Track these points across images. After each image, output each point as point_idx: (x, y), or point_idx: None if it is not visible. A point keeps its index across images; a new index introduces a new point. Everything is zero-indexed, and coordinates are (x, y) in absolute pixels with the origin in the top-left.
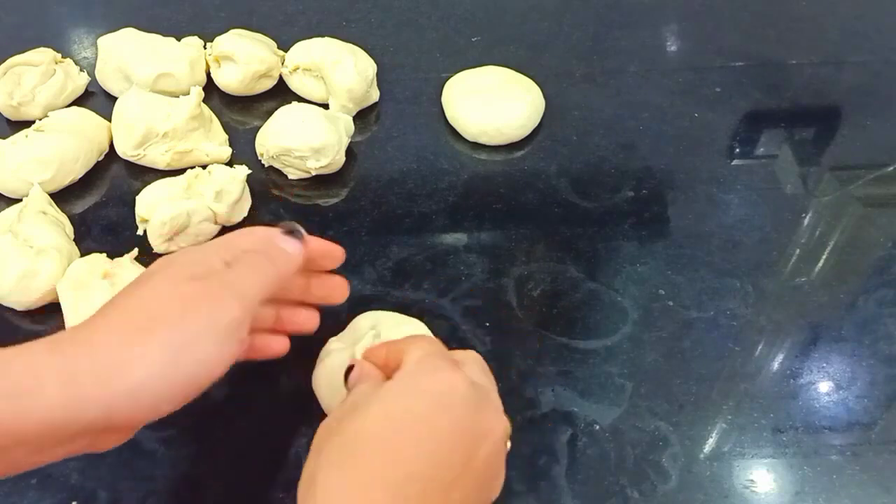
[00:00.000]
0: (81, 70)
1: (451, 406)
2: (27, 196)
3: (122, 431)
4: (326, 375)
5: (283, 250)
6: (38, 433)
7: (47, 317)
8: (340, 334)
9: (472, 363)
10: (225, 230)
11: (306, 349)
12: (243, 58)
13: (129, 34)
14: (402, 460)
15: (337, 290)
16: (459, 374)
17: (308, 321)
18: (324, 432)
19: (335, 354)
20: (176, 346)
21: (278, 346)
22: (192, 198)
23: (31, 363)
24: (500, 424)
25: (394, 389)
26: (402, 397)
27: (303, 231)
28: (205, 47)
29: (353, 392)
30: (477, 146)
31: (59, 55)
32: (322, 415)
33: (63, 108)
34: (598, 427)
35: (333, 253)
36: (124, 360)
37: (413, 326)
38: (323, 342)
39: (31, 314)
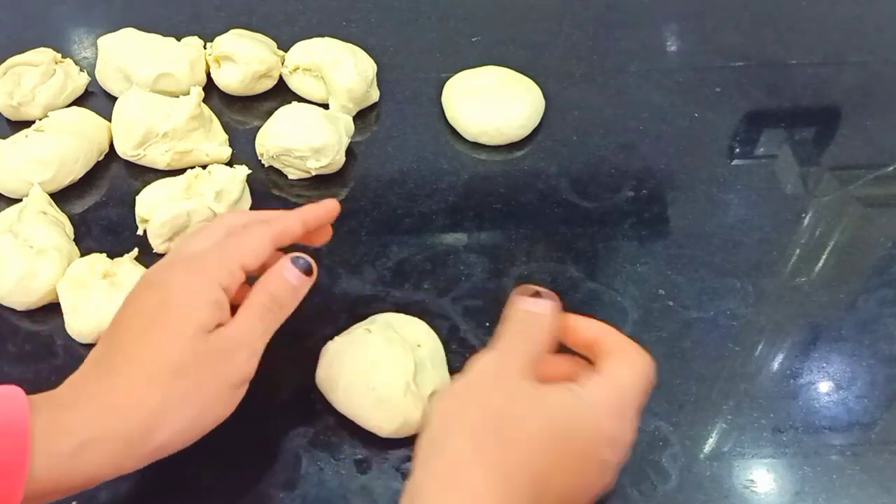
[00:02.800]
0: (81, 70)
1: (603, 461)
2: (27, 196)
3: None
4: (331, 374)
5: (289, 285)
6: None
7: (47, 317)
8: (340, 336)
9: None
10: None
11: (306, 349)
12: (243, 58)
13: (129, 34)
14: (541, 481)
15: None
16: (631, 433)
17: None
18: (473, 410)
19: (337, 350)
20: (197, 408)
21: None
22: (192, 198)
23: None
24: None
25: (568, 404)
26: (569, 422)
27: (310, 262)
28: (205, 47)
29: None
30: (477, 146)
31: (59, 55)
32: (324, 413)
33: (63, 108)
34: None
35: (331, 211)
36: (151, 425)
37: (415, 326)
38: (323, 342)
39: (31, 314)
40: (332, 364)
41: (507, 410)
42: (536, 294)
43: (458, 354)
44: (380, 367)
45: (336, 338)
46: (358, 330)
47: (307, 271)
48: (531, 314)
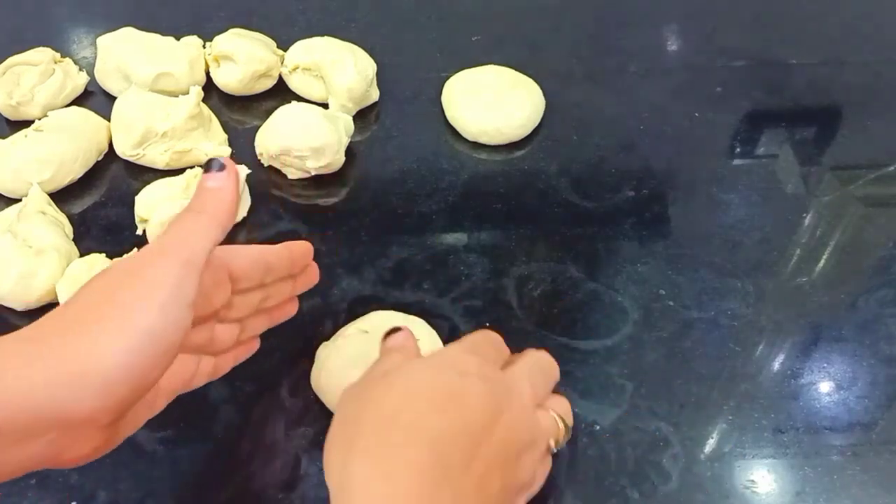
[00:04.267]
0: (81, 70)
1: (471, 384)
2: (26, 196)
3: (88, 429)
4: (325, 375)
5: (208, 190)
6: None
7: None
8: (340, 331)
9: (523, 363)
10: None
11: (306, 349)
12: (243, 57)
13: (128, 34)
14: (425, 435)
15: (314, 275)
16: (489, 365)
17: (291, 311)
18: (348, 399)
19: (331, 352)
20: (133, 327)
21: (255, 344)
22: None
23: None
24: (520, 411)
25: (421, 364)
26: (427, 371)
27: (222, 161)
28: (204, 47)
29: (383, 359)
30: (477, 146)
31: (58, 55)
32: (323, 413)
33: (62, 107)
34: (598, 427)
35: (307, 250)
36: (86, 350)
37: (415, 326)
38: (322, 342)
39: (30, 314)
40: (325, 366)
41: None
42: (209, 168)
43: None
44: None
45: (333, 338)
46: (351, 329)
47: (220, 168)
48: (203, 193)
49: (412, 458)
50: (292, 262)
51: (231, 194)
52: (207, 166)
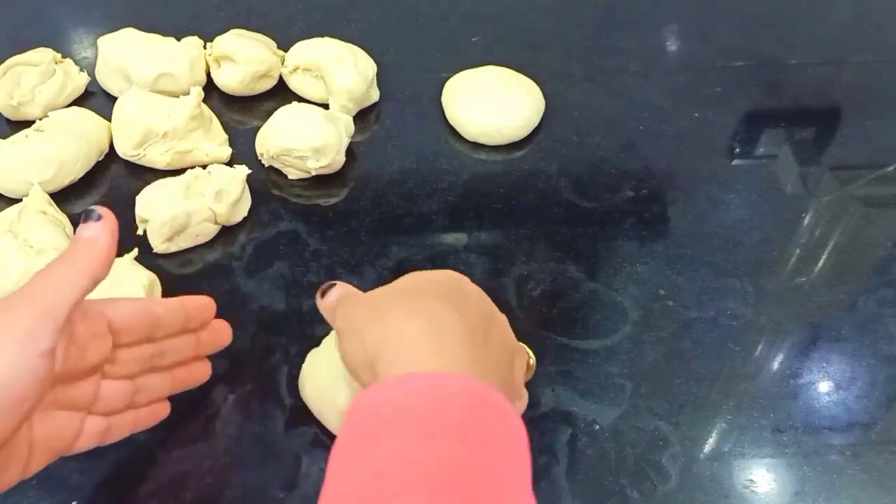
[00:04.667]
0: (81, 70)
1: (462, 279)
2: (27, 196)
3: None
4: (310, 383)
5: (81, 240)
6: None
7: None
8: (327, 338)
9: None
10: (225, 230)
11: (306, 350)
12: (243, 58)
13: (129, 34)
14: (454, 306)
15: (223, 333)
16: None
17: (201, 374)
18: (360, 302)
19: (318, 358)
20: None
21: (162, 409)
22: (192, 198)
23: None
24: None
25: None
26: (415, 276)
27: (99, 211)
28: (205, 47)
29: (340, 316)
30: (477, 146)
31: (58, 55)
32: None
33: (63, 108)
34: (598, 427)
35: (206, 304)
36: None
37: None
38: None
39: None
40: (310, 372)
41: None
42: (87, 218)
43: None
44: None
45: (322, 343)
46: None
47: (97, 218)
48: (77, 242)
49: (448, 318)
50: (187, 316)
51: (105, 246)
52: (85, 216)
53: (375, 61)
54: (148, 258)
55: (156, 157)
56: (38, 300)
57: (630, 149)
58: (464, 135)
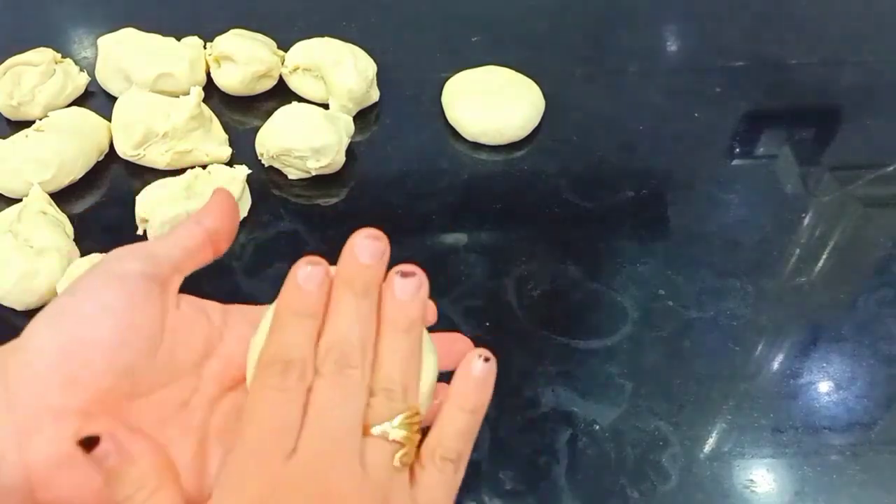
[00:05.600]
0: (81, 70)
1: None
2: (27, 196)
3: None
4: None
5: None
6: None
7: None
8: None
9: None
10: None
11: None
12: (243, 58)
13: (129, 34)
14: None
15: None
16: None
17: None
18: None
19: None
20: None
21: None
22: (192, 198)
23: None
24: None
25: None
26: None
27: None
28: (205, 47)
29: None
30: (477, 146)
31: (58, 55)
32: None
33: (63, 107)
34: (598, 427)
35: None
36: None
37: None
38: None
39: (31, 314)
40: (250, 362)
41: None
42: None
43: None
44: None
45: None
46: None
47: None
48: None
49: None
50: None
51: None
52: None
53: (375, 61)
54: None
55: (156, 157)
56: (150, 253)
57: (630, 149)
58: (464, 135)
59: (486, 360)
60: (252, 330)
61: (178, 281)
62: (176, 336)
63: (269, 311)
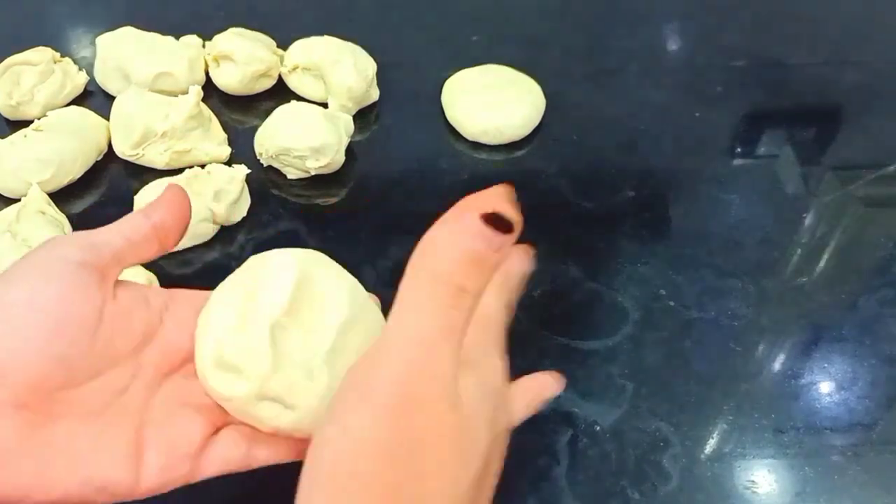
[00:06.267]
0: (80, 69)
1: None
2: (26, 196)
3: None
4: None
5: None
6: None
7: None
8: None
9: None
10: (224, 230)
11: None
12: (242, 57)
13: (128, 33)
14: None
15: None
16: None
17: None
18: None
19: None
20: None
21: None
22: (191, 197)
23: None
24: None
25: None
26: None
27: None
28: (204, 46)
29: None
30: (477, 146)
31: (57, 54)
32: None
33: (62, 107)
34: (598, 428)
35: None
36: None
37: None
38: None
39: None
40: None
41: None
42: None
43: None
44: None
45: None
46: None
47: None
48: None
49: None
50: None
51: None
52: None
53: (375, 61)
54: None
55: (155, 157)
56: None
57: (630, 149)
58: (464, 135)
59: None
60: (195, 315)
61: (117, 272)
62: (113, 325)
63: (216, 293)
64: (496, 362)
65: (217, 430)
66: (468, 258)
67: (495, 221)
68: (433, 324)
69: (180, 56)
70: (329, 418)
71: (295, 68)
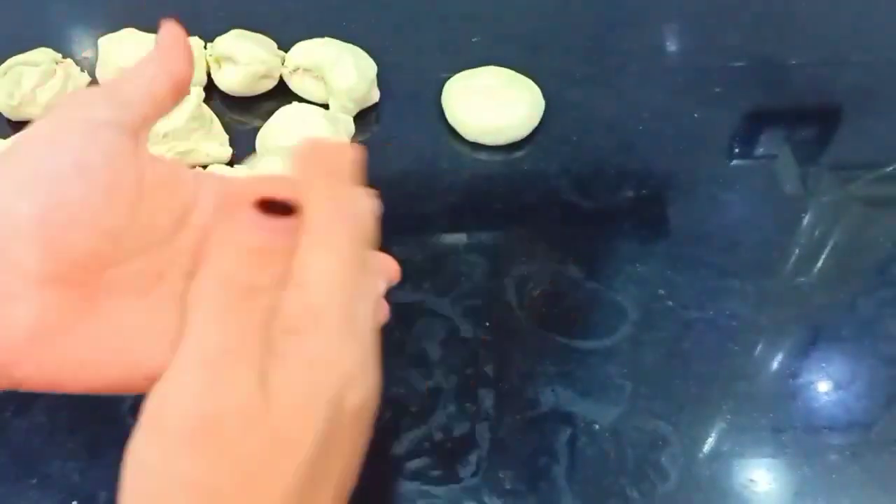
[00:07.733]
0: (82, 70)
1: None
2: None
3: None
4: None
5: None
6: None
7: None
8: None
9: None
10: None
11: None
12: (243, 58)
13: (129, 34)
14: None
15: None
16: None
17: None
18: None
19: None
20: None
21: None
22: None
23: None
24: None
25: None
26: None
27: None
28: (205, 48)
29: None
30: (477, 146)
31: (59, 55)
32: None
33: None
34: (597, 427)
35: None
36: None
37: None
38: None
39: None
40: None
41: None
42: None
43: (457, 356)
44: None
45: None
46: None
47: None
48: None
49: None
50: None
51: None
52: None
53: (375, 61)
54: None
55: None
56: (117, 97)
57: (630, 149)
58: (464, 135)
59: None
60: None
61: (146, 134)
62: (154, 197)
63: (251, 161)
64: (332, 323)
65: None
66: (251, 254)
67: (272, 207)
68: (226, 335)
69: None
70: (132, 452)
71: (296, 70)
